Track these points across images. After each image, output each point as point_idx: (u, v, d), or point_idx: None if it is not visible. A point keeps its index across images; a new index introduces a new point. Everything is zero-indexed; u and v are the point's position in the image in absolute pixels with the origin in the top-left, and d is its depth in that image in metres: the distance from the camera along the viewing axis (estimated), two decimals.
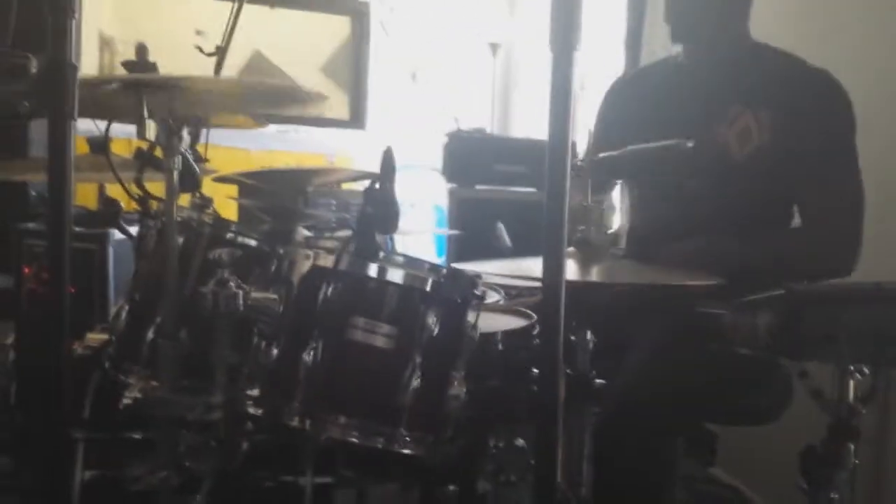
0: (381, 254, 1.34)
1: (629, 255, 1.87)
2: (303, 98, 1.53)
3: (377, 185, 1.39)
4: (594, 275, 1.40)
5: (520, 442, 1.63)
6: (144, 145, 1.44)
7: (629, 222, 1.93)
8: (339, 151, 4.26)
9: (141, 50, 1.34)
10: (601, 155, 1.50)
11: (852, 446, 1.31)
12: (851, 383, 1.34)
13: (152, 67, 1.34)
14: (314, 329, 1.31)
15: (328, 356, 1.31)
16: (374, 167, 1.58)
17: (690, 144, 1.48)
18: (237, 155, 3.57)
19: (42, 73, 0.94)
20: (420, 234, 3.85)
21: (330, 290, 1.32)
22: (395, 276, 1.35)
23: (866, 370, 1.33)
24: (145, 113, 1.28)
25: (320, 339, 1.31)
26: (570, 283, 1.08)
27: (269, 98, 1.55)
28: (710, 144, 1.69)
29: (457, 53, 4.63)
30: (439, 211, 3.96)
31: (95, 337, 1.62)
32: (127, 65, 1.37)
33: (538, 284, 1.09)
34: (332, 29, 4.50)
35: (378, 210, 1.37)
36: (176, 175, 1.36)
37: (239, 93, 1.46)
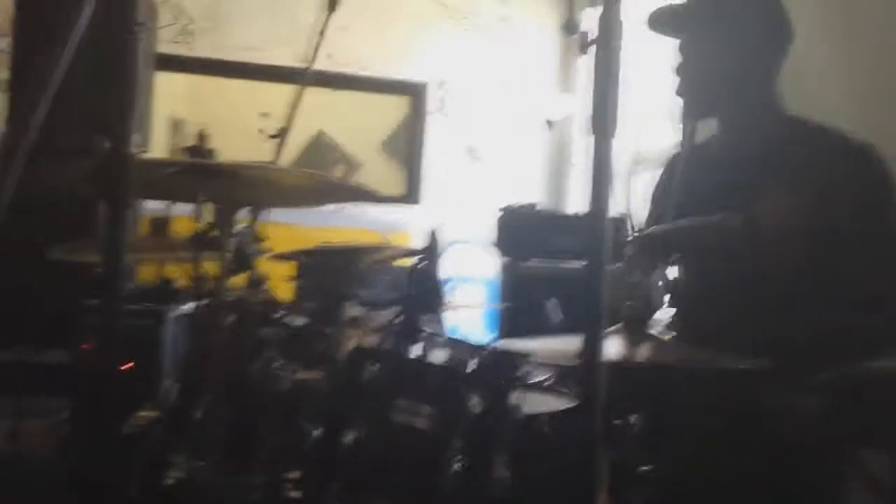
0: (424, 334, 1.35)
1: (673, 333, 1.84)
2: (357, 194, 1.58)
3: (421, 266, 1.41)
4: (641, 354, 1.39)
5: None
6: (202, 228, 1.50)
7: (675, 301, 1.90)
8: (395, 227, 4.34)
9: (201, 137, 1.41)
10: (645, 231, 1.50)
11: None
12: None
13: (210, 154, 1.40)
14: (356, 410, 1.32)
15: (369, 437, 1.32)
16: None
17: (737, 222, 1.47)
18: (294, 231, 3.66)
19: (101, 160, 0.99)
20: (471, 308, 3.85)
21: (373, 370, 1.34)
22: (437, 356, 1.36)
23: None
24: (201, 197, 1.33)
25: (362, 419, 1.32)
26: (612, 363, 1.07)
27: (323, 192, 1.59)
28: (743, 227, 1.67)
29: (513, 129, 4.70)
30: (492, 286, 3.96)
31: (145, 414, 1.65)
32: (187, 150, 1.44)
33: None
34: (391, 108, 4.64)
35: (421, 291, 1.40)
36: (228, 257, 1.41)
37: (293, 183, 1.52)
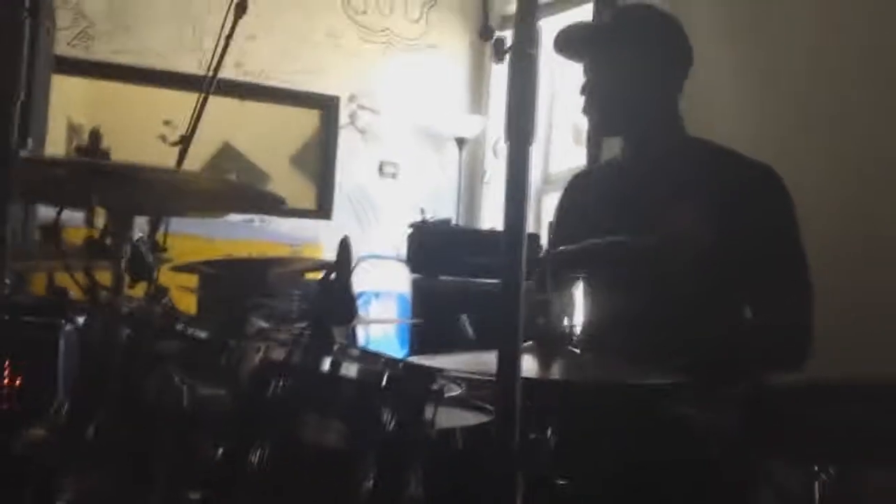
0: (335, 347, 1.30)
1: (584, 348, 1.85)
2: (263, 202, 1.52)
3: (333, 276, 1.36)
4: (553, 370, 1.37)
5: None
6: (96, 234, 1.41)
7: (584, 317, 1.92)
8: (306, 241, 4.25)
9: (93, 136, 1.32)
10: (560, 248, 1.50)
11: None
12: (818, 484, 1.30)
13: (104, 154, 1.31)
14: (262, 427, 1.25)
15: (276, 455, 1.25)
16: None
17: (651, 242, 1.49)
18: (199, 244, 3.53)
19: None
20: (382, 323, 3.81)
21: (280, 385, 1.27)
22: (349, 370, 1.31)
23: (831, 471, 1.30)
24: (93, 201, 1.24)
25: (268, 437, 1.25)
26: (526, 380, 1.05)
27: (228, 198, 1.53)
28: (651, 244, 1.69)
29: (425, 147, 4.70)
30: (403, 301, 3.93)
31: (37, 433, 1.53)
32: (79, 151, 1.35)
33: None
34: (302, 122, 4.56)
35: (333, 302, 1.34)
36: (124, 265, 1.32)
37: (195, 188, 1.44)
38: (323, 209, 4.50)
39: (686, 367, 1.38)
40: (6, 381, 1.99)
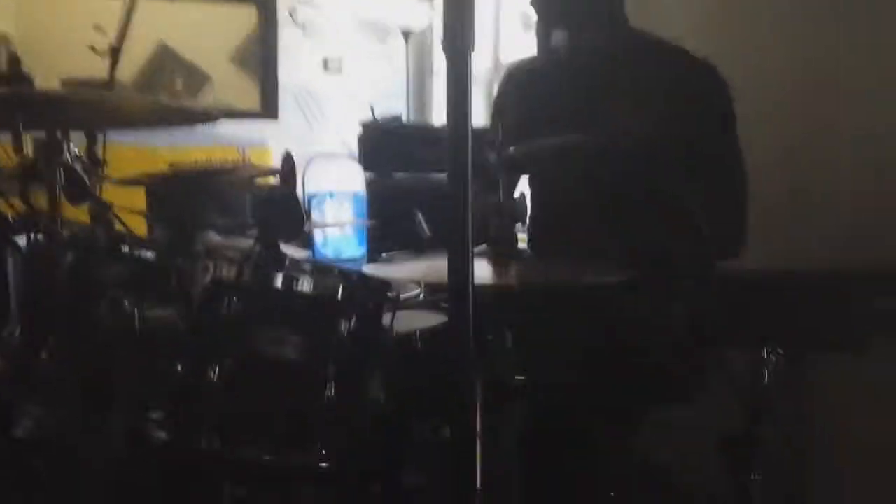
0: (286, 261, 1.29)
1: (533, 247, 1.86)
2: (201, 116, 1.46)
3: (279, 189, 1.33)
4: (508, 275, 1.38)
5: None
6: (26, 158, 1.35)
7: (531, 214, 1.92)
8: (252, 143, 4.14)
9: (13, 62, 1.24)
10: (510, 148, 1.48)
11: (769, 429, 1.34)
12: (766, 368, 1.36)
13: (26, 78, 1.24)
14: (218, 345, 1.25)
15: (235, 372, 1.26)
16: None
17: (592, 142, 1.48)
18: (142, 153, 3.42)
19: None
20: (337, 226, 3.79)
21: (233, 303, 1.26)
22: (303, 284, 1.30)
23: (780, 353, 1.36)
24: (18, 128, 1.18)
25: (226, 354, 1.25)
26: (482, 286, 1.06)
27: (162, 116, 1.46)
28: (594, 140, 1.68)
29: (370, 40, 4.55)
30: (358, 200, 3.90)
31: None
32: None
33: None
34: (239, 19, 4.36)
35: (281, 215, 1.32)
36: (59, 188, 1.27)
37: (126, 110, 1.37)
38: (268, 109, 4.38)
39: (633, 265, 1.39)
40: None
